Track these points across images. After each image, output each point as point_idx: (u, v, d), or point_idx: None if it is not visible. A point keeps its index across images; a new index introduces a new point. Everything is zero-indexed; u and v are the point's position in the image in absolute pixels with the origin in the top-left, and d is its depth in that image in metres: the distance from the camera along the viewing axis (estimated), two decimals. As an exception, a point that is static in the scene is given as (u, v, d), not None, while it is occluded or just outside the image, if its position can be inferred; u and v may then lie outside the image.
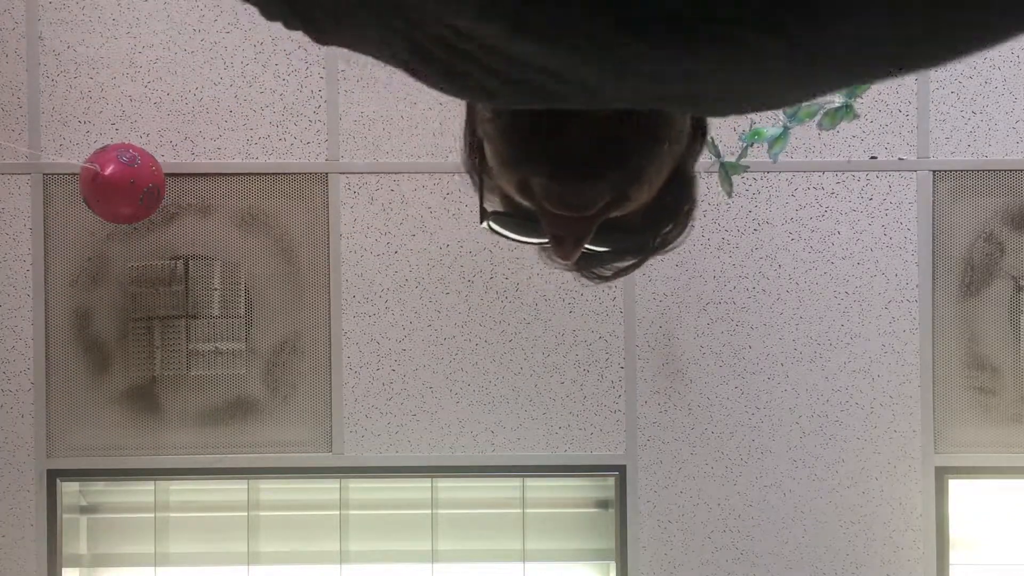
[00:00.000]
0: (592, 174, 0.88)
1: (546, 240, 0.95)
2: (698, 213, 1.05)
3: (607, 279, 1.06)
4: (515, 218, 0.96)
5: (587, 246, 0.96)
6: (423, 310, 3.88)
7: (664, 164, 0.92)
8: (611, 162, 0.88)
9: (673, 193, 0.97)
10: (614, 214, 0.92)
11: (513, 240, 0.99)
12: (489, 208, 0.98)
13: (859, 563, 3.88)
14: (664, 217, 1.00)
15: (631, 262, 1.04)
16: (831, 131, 3.76)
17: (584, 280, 1.07)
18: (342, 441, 3.88)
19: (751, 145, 3.41)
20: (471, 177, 1.02)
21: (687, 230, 1.04)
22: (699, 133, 1.03)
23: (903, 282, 3.88)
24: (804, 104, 3.25)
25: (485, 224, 0.98)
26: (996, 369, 3.88)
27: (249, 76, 3.86)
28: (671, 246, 1.04)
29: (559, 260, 0.95)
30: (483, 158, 0.96)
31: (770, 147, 3.33)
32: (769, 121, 3.46)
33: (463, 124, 1.02)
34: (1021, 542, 3.99)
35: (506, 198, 0.96)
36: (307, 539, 3.96)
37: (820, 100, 3.39)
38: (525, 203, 0.93)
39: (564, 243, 0.93)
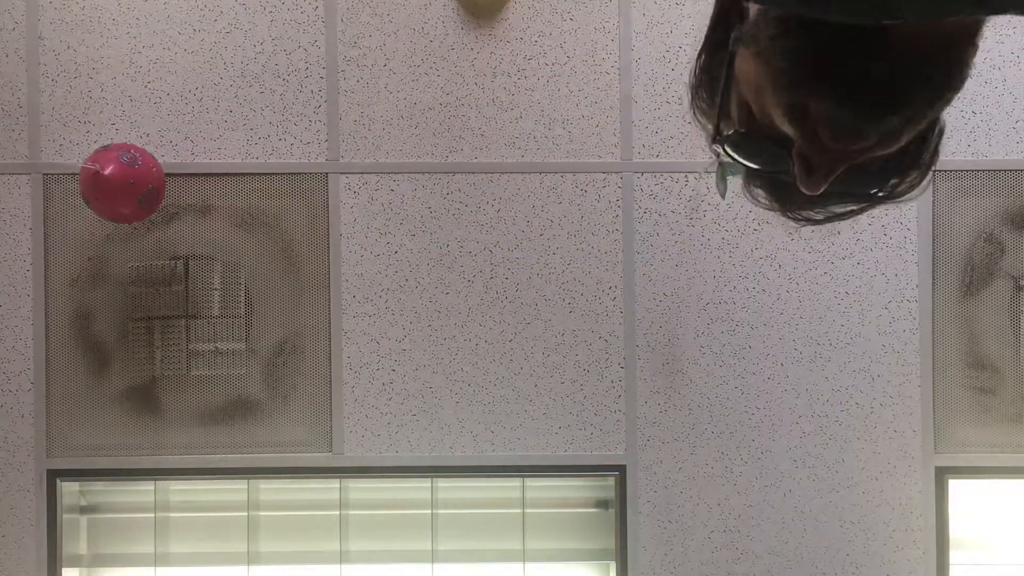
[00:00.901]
0: (884, 109, 0.84)
1: (780, 170, 0.90)
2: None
3: (817, 223, 1.01)
4: (756, 141, 0.91)
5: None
6: (423, 310, 3.88)
7: (941, 110, 0.89)
8: (908, 99, 0.84)
9: (920, 142, 0.94)
10: (876, 153, 0.88)
11: (742, 164, 0.94)
12: (731, 130, 0.93)
13: (859, 563, 3.89)
14: (899, 168, 0.96)
15: (852, 208, 0.99)
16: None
17: (789, 221, 1.01)
18: (342, 441, 3.88)
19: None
20: (698, 98, 0.96)
21: (925, 183, 0.99)
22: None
23: (903, 282, 3.88)
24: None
25: (716, 146, 0.93)
26: (996, 369, 3.88)
27: (249, 76, 3.86)
28: (899, 199, 0.99)
29: (806, 188, 0.89)
30: (730, 76, 0.91)
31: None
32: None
33: (704, 39, 0.96)
34: (1021, 542, 3.99)
35: (748, 121, 0.91)
36: (307, 539, 3.96)
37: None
38: (786, 127, 0.87)
39: (815, 173, 0.88)
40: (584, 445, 3.89)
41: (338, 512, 3.94)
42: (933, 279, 3.88)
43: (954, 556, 3.89)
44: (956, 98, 0.94)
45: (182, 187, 3.85)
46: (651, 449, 3.89)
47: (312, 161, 3.88)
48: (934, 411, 3.88)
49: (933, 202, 3.88)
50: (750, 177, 0.98)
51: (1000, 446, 3.88)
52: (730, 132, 0.93)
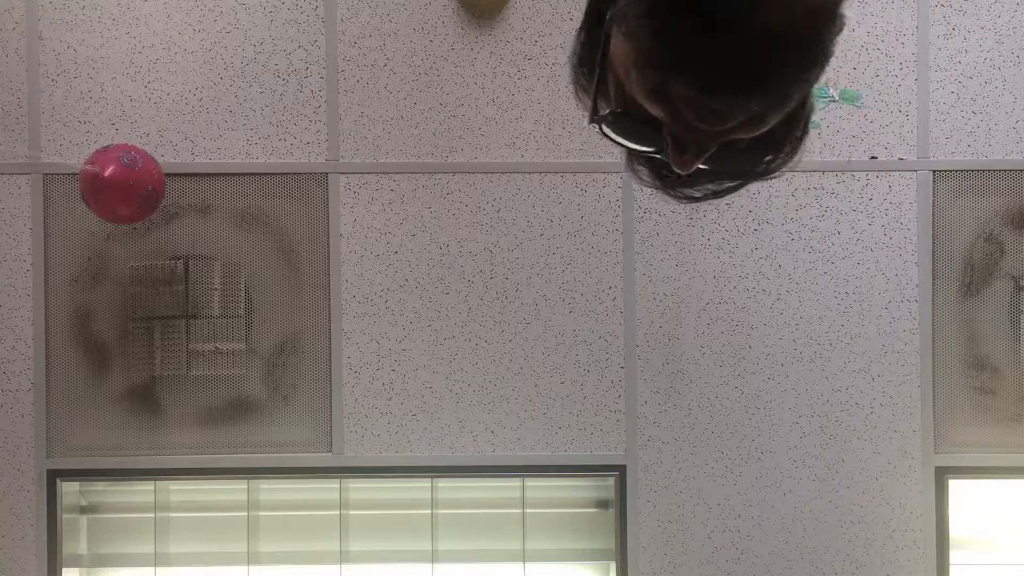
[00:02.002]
0: (745, 92, 0.84)
1: (655, 150, 0.91)
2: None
3: (696, 200, 1.02)
4: (631, 121, 0.92)
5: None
6: (423, 310, 3.88)
7: (806, 89, 0.90)
8: (770, 80, 0.84)
9: (790, 119, 0.94)
10: (744, 134, 0.89)
11: (621, 145, 0.94)
12: (608, 111, 0.93)
13: (859, 563, 3.88)
14: (773, 144, 0.97)
15: (729, 185, 1.00)
16: (830, 130, 3.77)
17: (670, 199, 1.02)
18: (342, 441, 3.88)
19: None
20: (580, 76, 0.97)
21: (797, 158, 1.00)
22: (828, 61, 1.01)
23: (903, 282, 3.88)
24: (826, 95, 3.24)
25: (595, 126, 0.94)
26: (996, 369, 3.88)
27: (249, 76, 3.86)
28: (774, 174, 1.00)
29: (678, 167, 0.90)
30: (605, 54, 0.92)
31: (833, 98, 3.33)
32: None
33: (583, 17, 0.97)
34: (1021, 542, 3.99)
35: (624, 101, 0.92)
36: (307, 539, 3.96)
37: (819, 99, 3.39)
38: (652, 108, 0.88)
39: (686, 153, 0.89)
40: (584, 445, 3.89)
41: (338, 512, 3.94)
42: (933, 279, 3.88)
43: (954, 556, 3.89)
44: (825, 73, 0.95)
45: (182, 187, 3.85)
46: (651, 449, 3.89)
47: (312, 161, 3.88)
48: (934, 411, 3.88)
49: (933, 202, 3.88)
50: (632, 156, 0.98)
51: (1000, 446, 3.88)
52: (607, 112, 0.94)
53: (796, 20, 0.84)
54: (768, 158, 0.98)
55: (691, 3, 0.83)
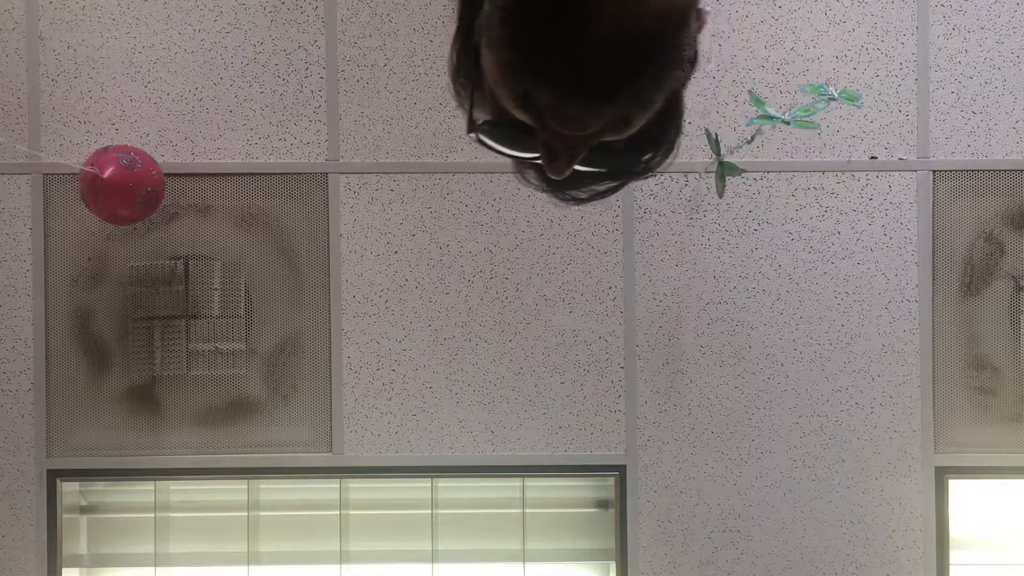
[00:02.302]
0: (604, 97, 0.86)
1: (533, 156, 0.93)
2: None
3: (582, 201, 1.05)
4: (506, 129, 0.93)
5: (578, 166, 0.94)
6: (423, 310, 3.88)
7: (668, 90, 0.91)
8: (625, 83, 0.86)
9: (663, 119, 0.96)
10: (612, 137, 0.91)
11: (499, 152, 0.96)
12: (483, 119, 0.95)
13: (859, 563, 3.88)
14: (650, 143, 0.99)
15: (610, 185, 1.03)
16: (830, 130, 3.77)
17: (557, 202, 1.05)
18: (342, 441, 3.88)
19: (750, 140, 3.41)
20: (457, 86, 0.99)
21: (672, 157, 1.03)
22: (695, 60, 1.02)
23: (903, 282, 3.88)
24: (809, 117, 3.26)
25: (472, 134, 0.95)
26: (996, 369, 3.88)
27: (249, 76, 3.87)
28: (653, 172, 1.03)
29: (552, 173, 0.93)
30: (478, 65, 0.93)
31: (760, 118, 3.35)
32: (776, 106, 3.46)
33: (455, 28, 0.99)
34: (1021, 542, 3.99)
35: (497, 110, 0.93)
36: (307, 539, 3.96)
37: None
38: (520, 116, 0.90)
39: (557, 159, 0.91)
40: (584, 445, 3.89)
41: (338, 512, 3.94)
42: (933, 279, 3.88)
43: (954, 556, 3.89)
44: (694, 73, 0.98)
45: (182, 187, 3.84)
46: (651, 449, 3.89)
47: (312, 161, 3.88)
48: (934, 411, 3.88)
49: (933, 202, 3.88)
50: (517, 161, 1.00)
51: (1000, 446, 3.88)
52: (482, 121, 0.95)
53: (647, 24, 0.85)
54: (647, 157, 1.00)
55: (542, 13, 0.84)
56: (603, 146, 0.92)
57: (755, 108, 3.41)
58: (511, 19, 0.87)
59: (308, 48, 3.86)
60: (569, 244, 3.88)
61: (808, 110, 3.35)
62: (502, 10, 0.87)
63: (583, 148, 0.91)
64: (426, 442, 3.89)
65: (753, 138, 3.45)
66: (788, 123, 3.38)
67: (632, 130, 0.91)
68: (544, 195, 1.03)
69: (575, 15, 0.83)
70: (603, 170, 0.98)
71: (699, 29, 0.96)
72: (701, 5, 0.95)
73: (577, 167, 0.94)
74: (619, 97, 0.86)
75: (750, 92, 3.51)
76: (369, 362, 3.88)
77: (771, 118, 3.37)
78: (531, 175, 1.00)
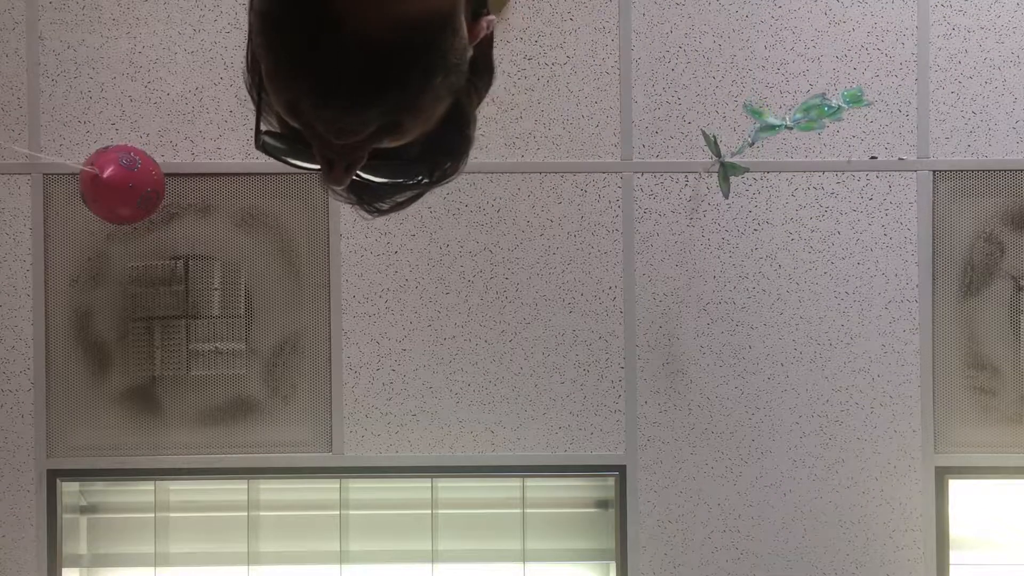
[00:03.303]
0: (361, 99, 0.85)
1: (316, 167, 0.92)
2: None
3: (384, 212, 1.05)
4: (290, 140, 0.93)
5: (362, 175, 0.94)
6: (423, 310, 3.88)
7: (441, 96, 0.90)
8: (382, 88, 0.84)
9: (450, 128, 0.96)
10: (388, 144, 0.90)
11: (289, 164, 0.96)
12: (266, 129, 0.95)
13: (859, 563, 3.88)
14: (441, 151, 0.98)
15: (408, 195, 1.02)
16: (830, 130, 3.77)
17: (363, 213, 1.05)
18: (342, 441, 3.88)
19: (751, 143, 3.41)
20: (251, 96, 0.98)
21: (461, 167, 1.03)
22: (485, 73, 1.01)
23: (903, 282, 3.88)
24: (813, 118, 3.26)
25: (260, 145, 0.95)
26: (996, 369, 3.88)
27: (249, 76, 3.86)
28: (447, 180, 1.03)
29: (331, 186, 0.93)
30: (262, 76, 0.93)
31: (760, 129, 3.35)
32: (774, 113, 3.46)
33: (247, 40, 0.99)
34: (1021, 542, 3.99)
35: (280, 120, 0.93)
36: (307, 539, 3.96)
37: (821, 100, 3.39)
38: (296, 125, 0.90)
39: (334, 168, 0.90)
40: (584, 445, 3.89)
41: (338, 512, 3.94)
42: (933, 279, 3.88)
43: (954, 556, 3.89)
44: (485, 84, 0.99)
45: (182, 187, 3.84)
46: (651, 449, 3.89)
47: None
48: (934, 411, 3.88)
49: (933, 202, 3.88)
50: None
51: (1000, 446, 3.88)
52: (266, 132, 0.95)
53: (399, 28, 0.84)
54: (439, 166, 1.00)
55: (294, 16, 0.84)
56: (392, 153, 0.92)
57: (754, 119, 3.40)
58: (267, 25, 0.86)
59: (308, 48, 3.86)
60: (569, 244, 3.88)
61: (808, 109, 3.34)
62: (259, 16, 0.87)
63: (359, 155, 0.90)
64: (426, 442, 3.89)
65: (753, 142, 3.45)
66: (792, 128, 3.38)
67: (409, 137, 0.90)
68: (351, 206, 1.03)
69: (324, 18, 0.82)
70: (397, 178, 0.97)
71: (477, 38, 0.94)
72: (489, 16, 0.95)
73: (368, 176, 0.94)
74: (378, 101, 0.85)
75: (746, 105, 3.48)
76: (369, 362, 3.88)
77: (773, 128, 3.36)
78: (327, 184, 0.99)
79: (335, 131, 0.87)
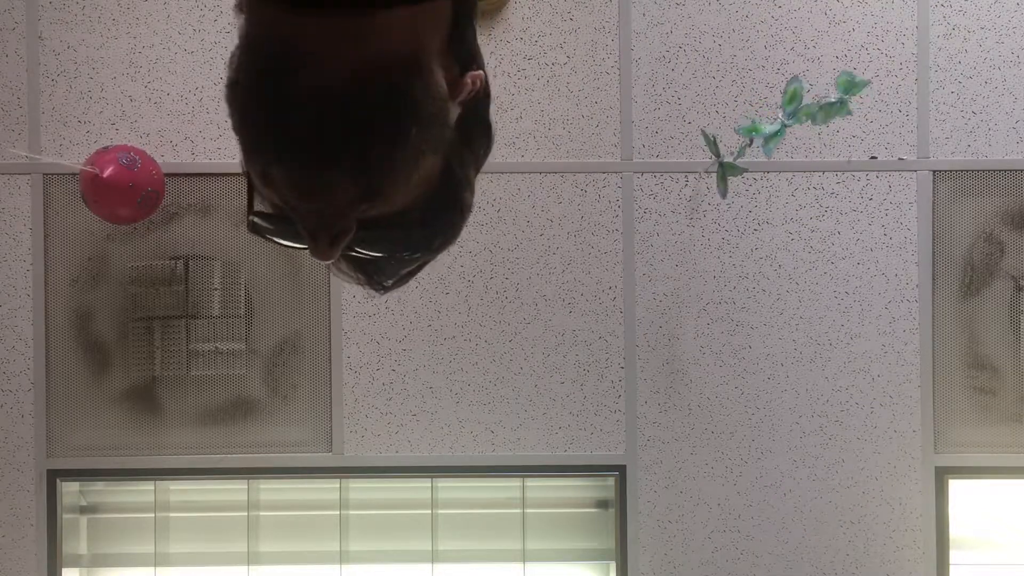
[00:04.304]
0: (324, 155, 0.80)
1: (302, 245, 0.87)
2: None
3: (390, 288, 0.99)
4: (279, 219, 0.87)
5: (360, 251, 0.88)
6: (423, 310, 3.88)
7: (419, 153, 0.84)
8: (345, 146, 0.80)
9: (443, 193, 0.90)
10: (371, 212, 0.84)
11: (280, 245, 0.91)
12: (256, 210, 0.90)
13: (859, 563, 3.89)
14: (436, 220, 0.92)
15: (410, 268, 0.97)
16: (833, 129, 3.77)
17: (371, 291, 0.99)
18: (342, 441, 3.88)
19: (749, 143, 3.41)
20: (245, 177, 0.94)
21: (456, 234, 0.96)
22: (482, 134, 0.95)
23: (903, 282, 3.88)
24: (804, 103, 3.25)
25: (250, 227, 0.90)
26: (996, 369, 3.88)
27: (249, 76, 3.86)
28: (445, 249, 0.98)
29: (320, 260, 0.87)
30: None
31: (765, 142, 3.34)
32: (767, 120, 3.46)
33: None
34: (1021, 542, 3.99)
35: (266, 197, 0.88)
36: (307, 539, 3.96)
37: (818, 96, 3.39)
38: (275, 200, 0.85)
39: (318, 241, 0.85)
40: (584, 445, 3.89)
41: (338, 512, 3.95)
42: (933, 279, 3.88)
43: (954, 556, 3.89)
44: (481, 142, 0.92)
45: (182, 187, 3.84)
46: (651, 449, 3.89)
47: (312, 161, 3.87)
48: (934, 411, 3.88)
49: (933, 202, 3.88)
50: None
51: (1000, 446, 3.88)
52: (256, 211, 0.90)
53: (358, 74, 0.79)
54: (428, 239, 0.94)
55: (249, 81, 0.81)
56: (388, 224, 0.86)
57: (753, 136, 3.37)
58: (233, 93, 0.83)
59: (308, 48, 3.86)
60: (569, 244, 3.88)
61: (791, 98, 3.31)
62: (228, 88, 0.84)
63: (344, 228, 0.84)
64: (426, 442, 3.89)
65: (751, 142, 3.44)
66: (791, 124, 3.37)
67: (392, 203, 0.85)
68: (360, 286, 0.98)
69: (282, 73, 0.79)
70: (398, 252, 0.92)
71: (462, 92, 0.88)
72: (476, 72, 0.88)
73: (363, 251, 0.88)
74: (342, 157, 0.80)
75: (738, 130, 3.45)
76: (369, 362, 3.88)
77: (777, 133, 3.35)
78: (342, 265, 0.94)
79: (305, 194, 0.82)
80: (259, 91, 0.81)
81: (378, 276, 0.97)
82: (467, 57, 0.90)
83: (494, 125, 0.97)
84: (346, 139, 0.80)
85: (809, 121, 3.32)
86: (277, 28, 0.80)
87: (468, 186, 0.97)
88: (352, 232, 0.86)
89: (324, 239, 0.85)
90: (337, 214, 0.84)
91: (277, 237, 0.91)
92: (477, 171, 0.98)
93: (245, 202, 0.91)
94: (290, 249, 0.91)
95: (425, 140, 0.85)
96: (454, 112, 0.89)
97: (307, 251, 0.89)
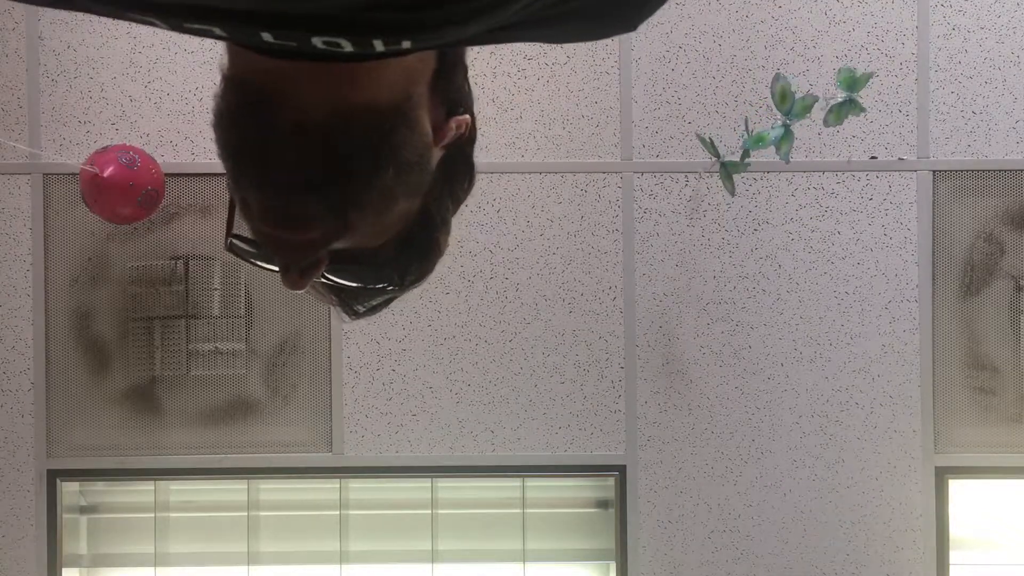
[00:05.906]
0: (299, 187, 0.81)
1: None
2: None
3: (360, 315, 1.01)
4: (256, 243, 0.89)
5: (332, 279, 0.90)
6: (423, 310, 3.88)
7: (394, 195, 0.85)
8: (321, 176, 0.81)
9: (418, 232, 0.92)
10: (340, 244, 0.86)
11: (257, 266, 0.93)
12: (235, 232, 0.92)
13: (859, 563, 3.88)
14: (412, 255, 0.94)
15: (379, 300, 0.99)
16: (833, 129, 3.77)
17: (343, 315, 1.01)
18: (342, 441, 3.88)
19: (749, 153, 3.40)
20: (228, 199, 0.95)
21: (428, 273, 0.98)
22: (463, 175, 0.96)
23: (903, 282, 3.88)
24: (797, 96, 3.23)
25: (228, 246, 0.92)
26: (996, 369, 3.88)
27: (249, 76, 3.86)
28: (416, 286, 0.99)
29: (286, 284, 0.88)
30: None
31: (778, 149, 3.32)
32: (767, 123, 3.46)
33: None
34: (1021, 542, 3.99)
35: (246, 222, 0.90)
36: (307, 539, 3.96)
37: (824, 96, 3.39)
38: (251, 224, 0.86)
39: (289, 271, 0.86)
40: (584, 445, 3.89)
41: (338, 512, 3.94)
42: (933, 279, 3.88)
43: (954, 556, 3.89)
44: (462, 187, 0.94)
45: (182, 187, 3.84)
46: (651, 449, 3.89)
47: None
48: (934, 411, 3.88)
49: (933, 202, 3.88)
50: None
51: (1000, 446, 3.88)
52: (235, 233, 0.92)
53: (342, 115, 0.80)
54: (402, 270, 0.95)
55: (234, 112, 0.83)
56: (360, 257, 0.88)
57: (761, 147, 3.36)
58: (219, 123, 0.85)
59: (308, 48, 3.86)
60: (569, 244, 3.88)
61: (782, 98, 3.29)
62: (215, 118, 0.85)
63: (312, 257, 0.86)
64: (426, 442, 3.89)
65: (787, 159, 3.41)
66: (791, 123, 3.37)
67: (362, 238, 0.86)
68: (334, 307, 1.00)
69: (264, 105, 0.80)
70: (369, 282, 0.94)
71: (445, 138, 0.89)
72: (462, 116, 0.89)
73: (336, 279, 0.90)
74: (319, 188, 0.81)
75: (746, 143, 3.42)
76: (369, 362, 3.88)
77: (784, 136, 3.33)
78: (320, 288, 0.95)
79: (280, 220, 0.83)
80: (241, 122, 0.83)
81: (351, 302, 1.00)
82: (454, 99, 0.91)
83: (476, 165, 0.99)
84: (323, 176, 0.81)
85: (808, 114, 3.30)
86: (260, 65, 0.82)
87: (444, 228, 0.99)
88: (322, 266, 0.88)
89: (294, 270, 0.87)
90: (309, 247, 0.86)
91: (254, 260, 0.93)
92: (456, 210, 1.00)
93: (226, 221, 0.93)
94: (265, 270, 0.93)
95: (403, 184, 0.86)
96: (436, 156, 0.90)
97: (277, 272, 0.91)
